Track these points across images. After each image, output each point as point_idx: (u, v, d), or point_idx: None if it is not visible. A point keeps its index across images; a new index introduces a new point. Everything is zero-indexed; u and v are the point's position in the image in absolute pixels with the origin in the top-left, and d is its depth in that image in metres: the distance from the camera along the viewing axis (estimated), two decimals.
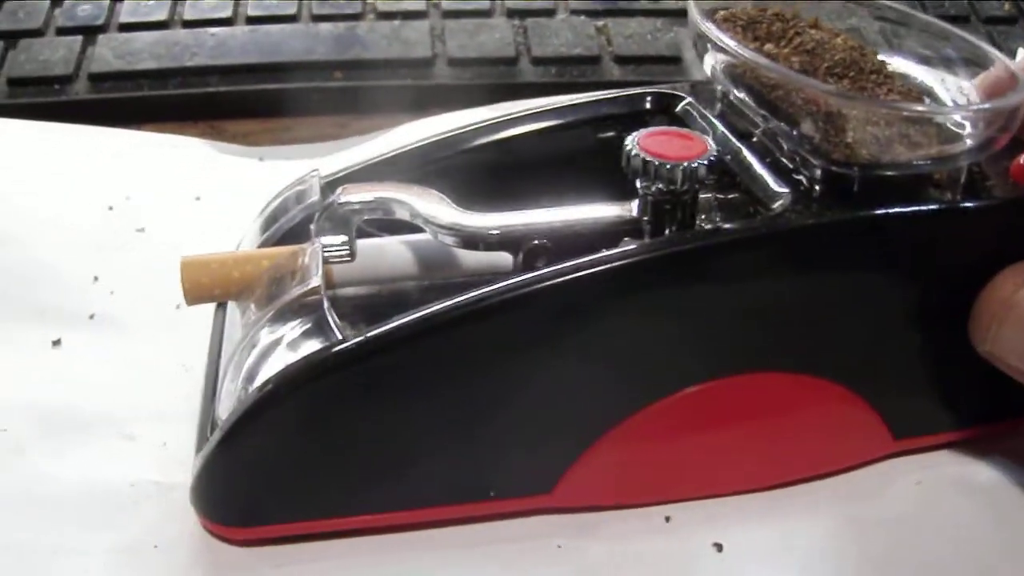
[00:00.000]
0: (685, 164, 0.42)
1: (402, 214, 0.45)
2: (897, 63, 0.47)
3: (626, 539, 0.43)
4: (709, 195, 0.46)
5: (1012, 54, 0.72)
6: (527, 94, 0.67)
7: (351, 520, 0.42)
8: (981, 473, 0.47)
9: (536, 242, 0.44)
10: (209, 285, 0.46)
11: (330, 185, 0.49)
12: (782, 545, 0.43)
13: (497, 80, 0.70)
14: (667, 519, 0.44)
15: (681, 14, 0.75)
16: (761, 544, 0.43)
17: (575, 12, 0.75)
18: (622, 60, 0.71)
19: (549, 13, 0.75)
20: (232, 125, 0.69)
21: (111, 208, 0.61)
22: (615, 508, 0.44)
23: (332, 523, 0.42)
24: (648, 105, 0.51)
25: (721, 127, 0.47)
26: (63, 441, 0.47)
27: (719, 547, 0.43)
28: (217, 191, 0.63)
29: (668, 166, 0.42)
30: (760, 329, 0.43)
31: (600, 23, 0.74)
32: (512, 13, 0.75)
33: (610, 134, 0.51)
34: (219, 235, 0.54)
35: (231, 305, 0.48)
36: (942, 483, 0.46)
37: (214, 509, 0.42)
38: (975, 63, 0.46)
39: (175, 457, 0.46)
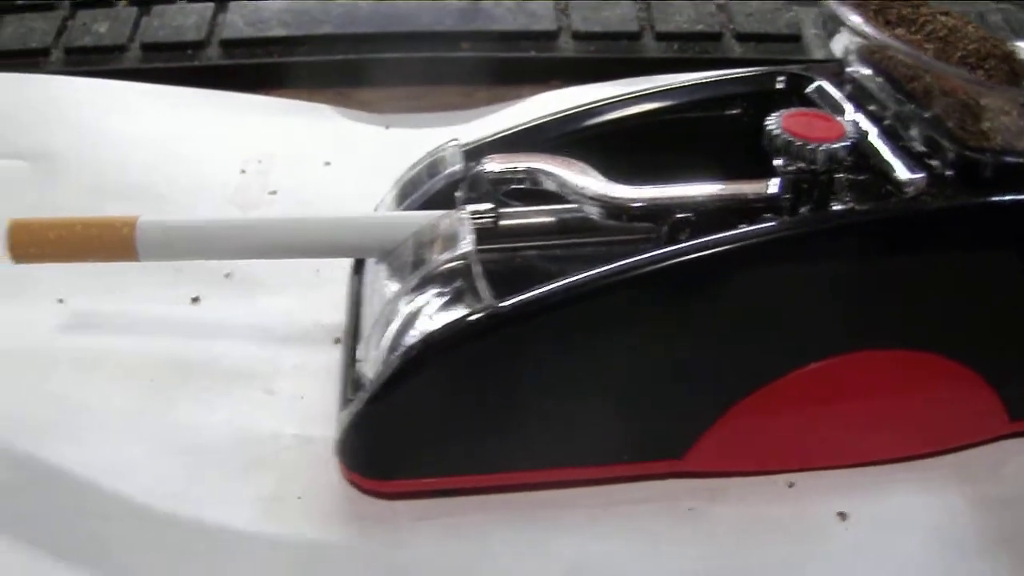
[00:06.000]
0: (826, 145, 0.43)
1: (549, 184, 0.46)
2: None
3: (753, 504, 0.45)
4: (841, 176, 0.46)
5: None
6: (650, 69, 0.68)
7: (490, 477, 0.44)
8: None
9: (680, 215, 0.46)
10: (26, 243, 0.48)
11: (468, 155, 0.50)
12: (903, 518, 0.44)
13: (620, 55, 0.71)
14: (790, 485, 0.45)
15: None
16: (883, 515, 0.44)
17: None
18: (743, 38, 0.72)
19: None
20: (359, 93, 0.71)
21: (244, 171, 0.63)
22: (741, 474, 0.45)
23: (471, 479, 0.44)
24: (780, 85, 0.52)
25: (853, 110, 0.48)
26: (206, 393, 0.49)
27: (843, 516, 0.44)
28: (346, 156, 0.65)
29: (811, 146, 0.43)
30: (888, 307, 0.43)
31: (721, 0, 0.75)
32: None
33: (736, 112, 0.52)
34: (348, 199, 0.56)
35: (369, 267, 0.49)
36: None
37: (361, 462, 0.44)
38: None
39: (313, 411, 0.48)
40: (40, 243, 0.49)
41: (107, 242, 0.48)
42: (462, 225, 0.44)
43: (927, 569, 0.43)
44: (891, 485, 0.46)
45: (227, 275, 0.55)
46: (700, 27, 0.72)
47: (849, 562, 0.43)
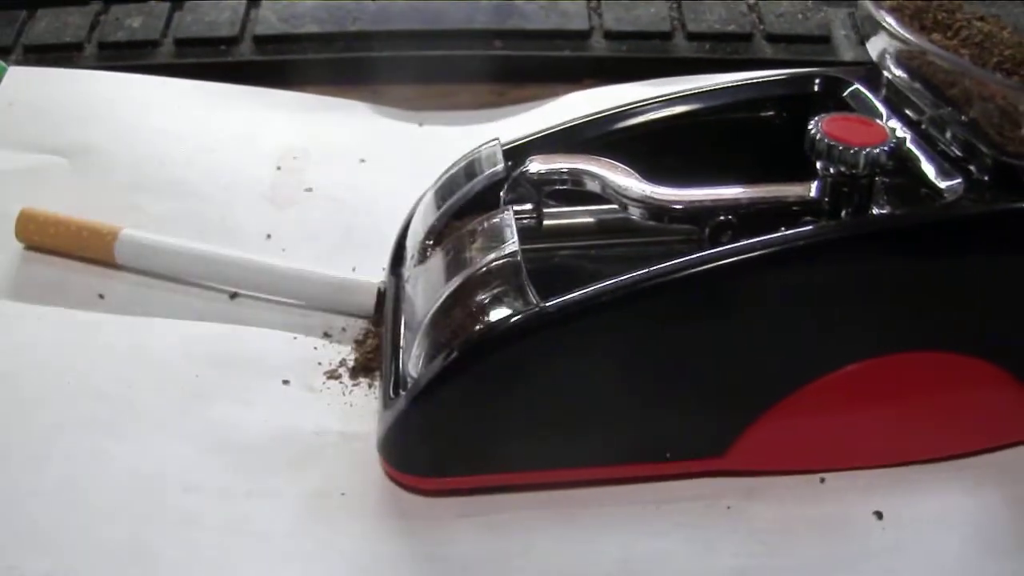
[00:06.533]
0: (868, 149, 0.44)
1: (592, 186, 0.47)
2: None
3: (790, 503, 0.45)
4: (878, 179, 0.47)
5: None
6: (681, 69, 0.69)
7: (533, 475, 0.44)
8: None
9: (722, 218, 0.46)
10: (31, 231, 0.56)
11: (506, 155, 0.50)
12: (940, 517, 0.45)
13: (652, 54, 0.71)
14: (822, 480, 0.46)
15: None
16: (919, 515, 0.45)
17: None
18: (773, 38, 0.72)
19: None
20: (392, 90, 0.71)
21: (279, 168, 0.64)
22: (776, 473, 0.46)
23: (514, 477, 0.44)
24: (817, 88, 0.52)
25: (888, 113, 0.48)
26: (248, 391, 0.49)
27: (879, 515, 0.44)
28: (380, 154, 0.65)
29: (852, 151, 0.44)
30: (927, 311, 0.44)
31: (752, 1, 0.75)
32: None
33: (772, 114, 0.53)
34: (383, 197, 0.56)
35: (408, 267, 0.50)
36: None
37: (404, 460, 0.44)
38: None
39: (356, 408, 0.48)
40: (41, 234, 0.56)
41: (93, 245, 0.56)
42: (508, 225, 0.45)
43: (966, 569, 0.43)
44: (925, 484, 0.46)
45: None
46: (731, 27, 0.72)
47: (888, 561, 0.43)
